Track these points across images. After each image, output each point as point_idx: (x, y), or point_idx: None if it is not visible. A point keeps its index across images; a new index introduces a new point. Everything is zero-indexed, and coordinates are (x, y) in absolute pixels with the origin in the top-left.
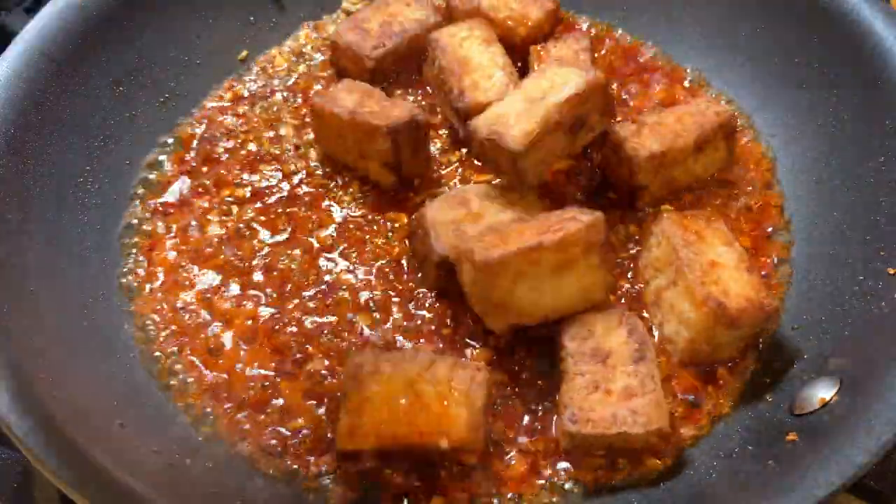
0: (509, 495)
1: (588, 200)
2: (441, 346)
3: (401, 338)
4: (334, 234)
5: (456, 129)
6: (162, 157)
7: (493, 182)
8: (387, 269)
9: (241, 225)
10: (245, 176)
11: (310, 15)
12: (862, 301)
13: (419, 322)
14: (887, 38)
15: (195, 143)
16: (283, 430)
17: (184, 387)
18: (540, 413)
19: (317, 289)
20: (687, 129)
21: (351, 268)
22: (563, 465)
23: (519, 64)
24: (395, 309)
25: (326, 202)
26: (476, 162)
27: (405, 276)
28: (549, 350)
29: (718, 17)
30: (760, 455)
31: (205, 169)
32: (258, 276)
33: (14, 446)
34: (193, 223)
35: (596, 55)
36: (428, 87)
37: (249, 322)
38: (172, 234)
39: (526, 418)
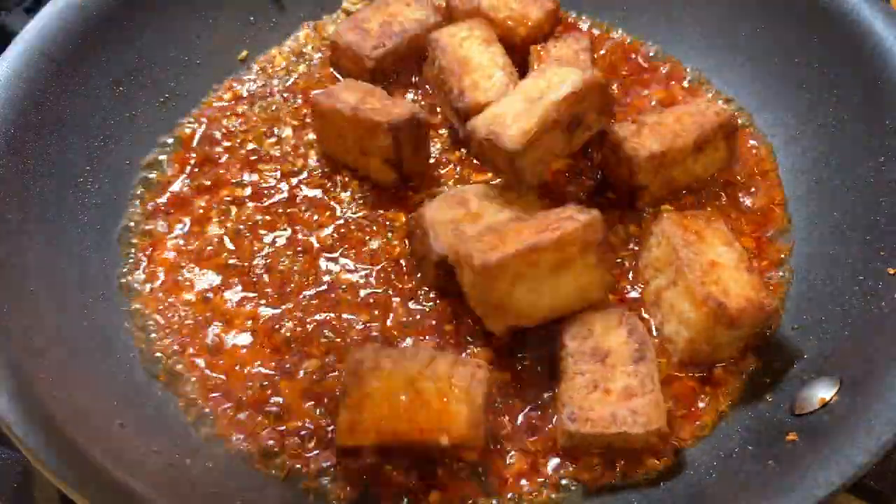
0: (509, 494)
1: (587, 200)
2: (441, 344)
3: (401, 336)
4: (334, 234)
5: (456, 129)
6: (162, 157)
7: (492, 182)
8: (386, 269)
9: (241, 225)
10: (245, 176)
11: (310, 15)
12: (862, 301)
13: (419, 320)
14: (887, 38)
15: (195, 143)
16: (282, 429)
17: (184, 387)
18: (540, 412)
19: (316, 288)
20: (687, 129)
21: (350, 267)
22: (562, 464)
23: (520, 65)
24: (394, 308)
25: (326, 202)
26: (475, 161)
27: (405, 275)
28: (549, 349)
29: (718, 17)
30: (760, 455)
31: (205, 169)
32: (258, 276)
33: (14, 446)
34: (193, 223)
35: (596, 55)
36: (428, 87)
37: (249, 322)
38: (172, 234)
39: (526, 417)
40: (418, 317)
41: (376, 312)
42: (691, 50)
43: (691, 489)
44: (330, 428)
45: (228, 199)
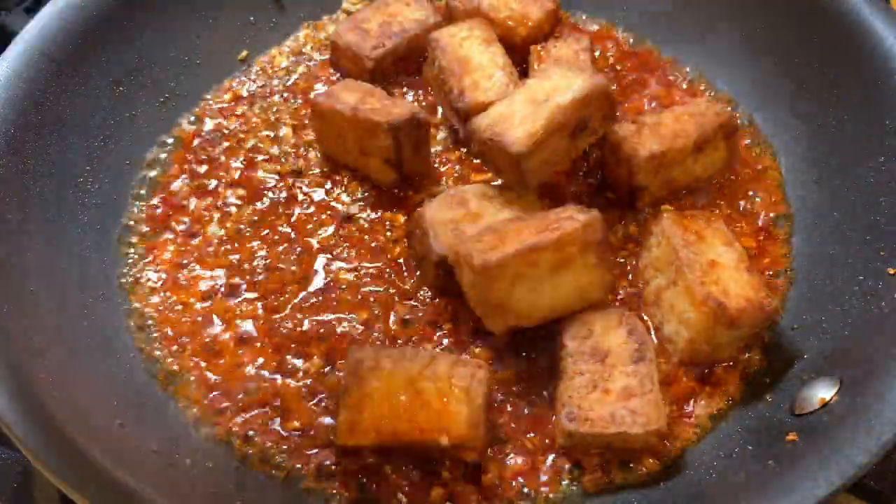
0: (508, 494)
1: (587, 200)
2: (441, 344)
3: (401, 336)
4: (334, 234)
5: (456, 129)
6: (162, 157)
7: (492, 181)
8: (386, 269)
9: (241, 225)
10: (244, 176)
11: (310, 15)
12: (862, 301)
13: (419, 320)
14: (887, 38)
15: (195, 143)
16: (282, 429)
17: (184, 387)
18: (539, 411)
19: (316, 288)
20: (687, 130)
21: (350, 267)
22: (562, 464)
23: (520, 65)
24: (395, 308)
25: (326, 202)
26: (475, 161)
27: (405, 275)
28: (549, 349)
29: (718, 17)
30: (760, 455)
31: (205, 169)
32: (258, 276)
33: (14, 446)
34: (193, 224)
35: (596, 55)
36: (428, 87)
37: (249, 322)
38: (172, 234)
39: (525, 416)
40: (419, 316)
41: (376, 312)
42: (691, 50)
43: (691, 489)
44: (330, 428)
45: (228, 199)
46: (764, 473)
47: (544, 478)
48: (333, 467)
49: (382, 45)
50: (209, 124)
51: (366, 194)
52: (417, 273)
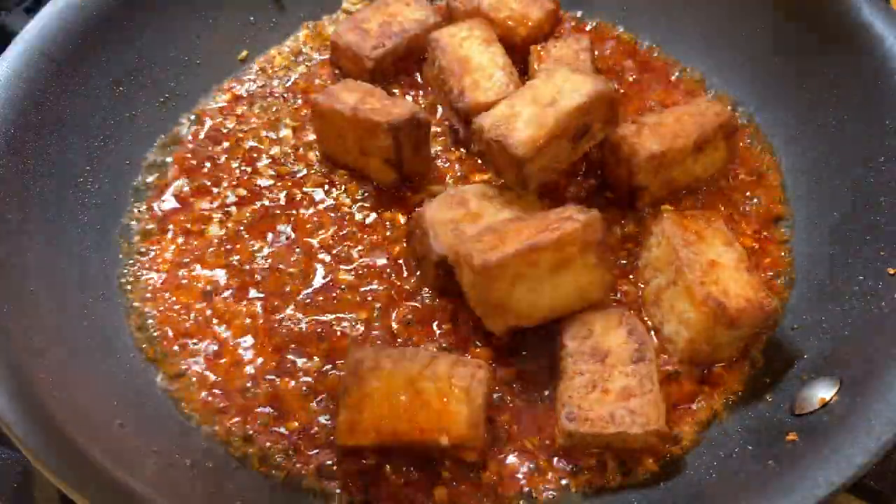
0: (508, 494)
1: (587, 200)
2: (441, 344)
3: (401, 336)
4: (334, 234)
5: (456, 129)
6: (162, 157)
7: (492, 182)
8: (386, 269)
9: (241, 225)
10: (244, 176)
11: (310, 15)
12: (862, 301)
13: (419, 320)
14: (887, 38)
15: (195, 143)
16: (283, 429)
17: (184, 387)
18: (539, 411)
19: (316, 288)
20: (686, 130)
21: (350, 267)
22: (561, 463)
23: (520, 65)
24: (395, 308)
25: (325, 202)
26: (475, 161)
27: (405, 275)
28: (549, 348)
29: (718, 17)
30: (760, 455)
31: (205, 169)
32: (258, 276)
33: (14, 446)
34: (193, 224)
35: (596, 55)
36: (428, 87)
37: (249, 322)
38: (172, 235)
39: (525, 416)
40: (419, 316)
41: (376, 312)
42: (691, 50)
43: (691, 489)
44: (330, 428)
45: (228, 199)
46: (764, 473)
47: (544, 478)
48: (333, 467)
49: (382, 45)
50: (209, 124)
51: (366, 194)
52: (417, 273)
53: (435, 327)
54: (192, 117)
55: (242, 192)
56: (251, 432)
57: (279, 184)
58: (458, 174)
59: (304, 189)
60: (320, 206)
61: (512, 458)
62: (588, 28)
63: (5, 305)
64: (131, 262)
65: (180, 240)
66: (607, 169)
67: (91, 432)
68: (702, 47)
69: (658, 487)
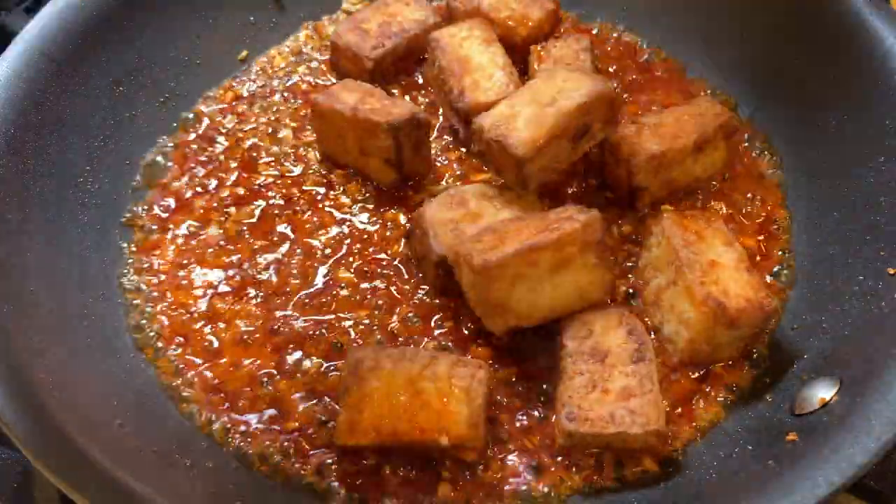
0: (508, 494)
1: (587, 200)
2: (441, 344)
3: (401, 336)
4: (333, 234)
5: (456, 129)
6: (162, 158)
7: (492, 182)
8: (386, 269)
9: (241, 225)
10: (244, 176)
11: (310, 15)
12: (862, 301)
13: (419, 320)
14: (887, 38)
15: (195, 143)
16: (282, 428)
17: (184, 387)
18: (539, 411)
19: (316, 288)
20: (686, 130)
21: (350, 267)
22: (561, 463)
23: (520, 65)
24: (395, 307)
25: (325, 202)
26: (475, 161)
27: (405, 274)
28: (549, 348)
29: (718, 17)
30: (760, 455)
31: (204, 169)
32: (258, 276)
33: (14, 446)
34: (193, 223)
35: (597, 54)
36: (428, 87)
37: (249, 322)
38: (172, 235)
39: (525, 416)
40: (419, 316)
41: (376, 312)
42: (691, 50)
43: (691, 489)
44: (330, 427)
45: (228, 199)
46: (764, 473)
47: (544, 477)
48: (333, 467)
49: (382, 45)
50: (209, 124)
51: (366, 194)
52: (418, 274)
53: (435, 327)
54: (192, 117)
55: (242, 191)
56: (251, 432)
57: (279, 184)
58: (458, 174)
59: (304, 189)
60: (320, 206)
61: (512, 458)
62: (588, 28)
63: (5, 305)
64: (131, 262)
65: (180, 240)
66: (607, 169)
67: (91, 432)
68: (702, 47)
69: (658, 487)
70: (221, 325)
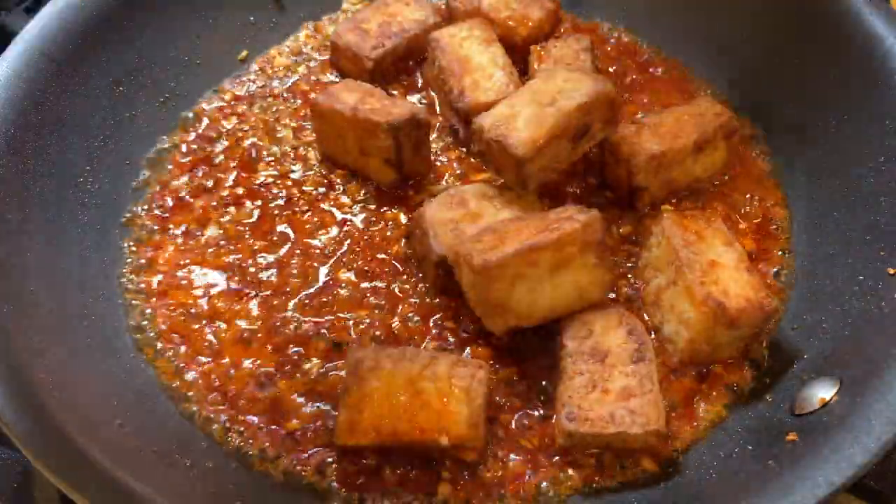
0: (507, 494)
1: (587, 200)
2: (442, 344)
3: (401, 336)
4: (333, 234)
5: (456, 128)
6: (162, 158)
7: (492, 181)
8: (386, 268)
9: (241, 225)
10: (244, 176)
11: (310, 15)
12: (862, 301)
13: (419, 320)
14: (887, 39)
15: (195, 143)
16: (282, 429)
17: (184, 387)
18: (539, 411)
19: (316, 288)
20: (686, 130)
21: (350, 267)
22: (561, 463)
23: (519, 65)
24: (394, 307)
25: (325, 202)
26: (475, 160)
27: (405, 274)
28: (549, 348)
29: (719, 17)
30: (760, 455)
31: (204, 169)
32: (258, 276)
33: (14, 446)
34: (193, 224)
35: (597, 54)
36: (428, 87)
37: (249, 322)
38: (172, 235)
39: (525, 416)
40: (418, 317)
41: (376, 312)
42: (691, 50)
43: (691, 489)
44: (330, 427)
45: (228, 199)
46: (764, 473)
47: (544, 477)
48: (333, 467)
49: (382, 45)
50: (209, 124)
51: (366, 194)
52: (418, 273)
53: (435, 327)
54: (192, 117)
55: (242, 192)
56: (251, 432)
57: (279, 184)
58: (458, 174)
59: (304, 189)
60: (320, 206)
61: (512, 458)
62: (588, 28)
63: (5, 305)
64: (131, 262)
65: (180, 240)
66: (607, 169)
67: (91, 432)
68: (702, 47)
69: (658, 487)
70: (221, 325)
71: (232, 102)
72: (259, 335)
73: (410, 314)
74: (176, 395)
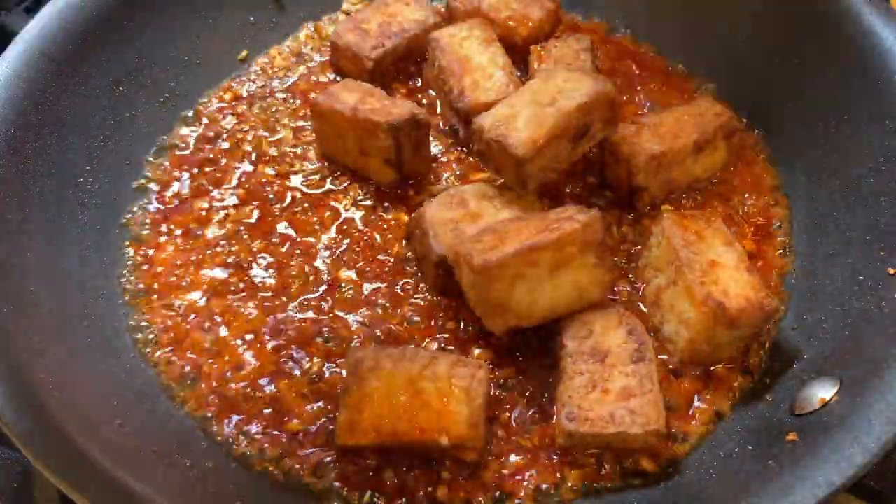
0: (507, 494)
1: (587, 200)
2: (441, 344)
3: (401, 336)
4: (333, 234)
5: (456, 128)
6: (162, 158)
7: (492, 181)
8: (386, 269)
9: (241, 226)
10: (244, 176)
11: (310, 15)
12: (862, 301)
13: (420, 320)
14: (887, 38)
15: (195, 143)
16: (282, 429)
17: (184, 387)
18: (539, 411)
19: (316, 288)
20: (686, 130)
21: (350, 267)
22: (561, 463)
23: (519, 65)
24: (395, 308)
25: (326, 202)
26: (475, 160)
27: (405, 274)
28: (549, 348)
29: (718, 17)
30: (760, 455)
31: (204, 169)
32: (258, 277)
33: (14, 446)
34: (193, 224)
35: (598, 54)
36: (428, 87)
37: (249, 322)
38: (172, 235)
39: (525, 416)
40: (418, 317)
41: (377, 312)
42: (691, 50)
43: (691, 489)
44: (330, 428)
45: (228, 199)
46: (764, 473)
47: (544, 478)
48: (332, 467)
49: (382, 45)
50: (209, 124)
51: (366, 194)
52: (418, 273)
53: (435, 327)
54: (192, 117)
55: (242, 192)
56: (251, 432)
57: (279, 184)
58: (458, 174)
59: (304, 189)
60: (320, 207)
61: (512, 458)
62: (588, 28)
63: (5, 305)
64: (131, 262)
65: (180, 240)
66: (607, 169)
67: (91, 432)
68: (702, 47)
69: (658, 487)
70: (221, 325)
71: (232, 102)
72: (259, 335)
73: (410, 314)
74: (176, 395)
